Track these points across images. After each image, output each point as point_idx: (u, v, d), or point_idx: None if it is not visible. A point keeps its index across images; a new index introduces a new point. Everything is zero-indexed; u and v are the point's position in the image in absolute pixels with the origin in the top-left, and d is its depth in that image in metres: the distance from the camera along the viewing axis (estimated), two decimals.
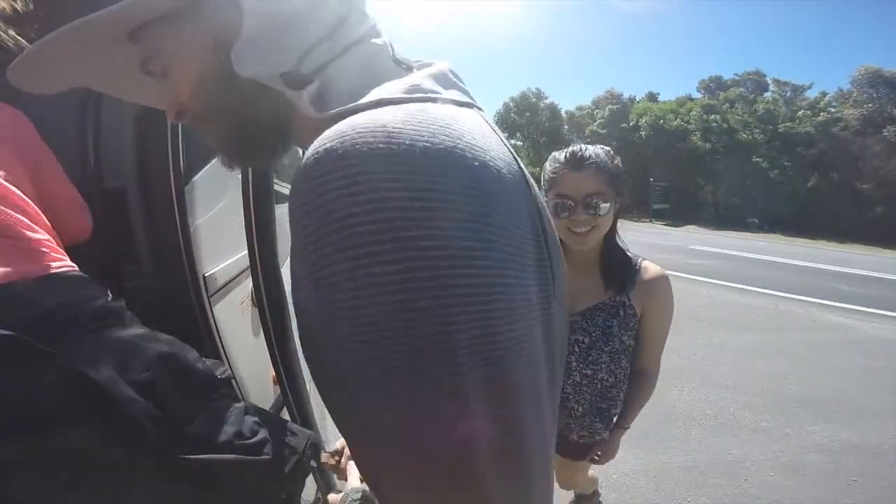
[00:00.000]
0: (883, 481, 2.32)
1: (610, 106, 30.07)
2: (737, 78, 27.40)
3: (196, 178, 1.11)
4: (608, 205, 1.14)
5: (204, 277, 1.11)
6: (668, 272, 1.31)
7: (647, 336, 1.28)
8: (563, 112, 34.44)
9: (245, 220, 0.89)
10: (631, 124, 28.02)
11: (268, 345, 1.00)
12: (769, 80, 26.10)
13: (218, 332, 1.14)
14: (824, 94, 23.01)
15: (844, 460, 2.49)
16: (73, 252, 1.07)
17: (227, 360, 1.16)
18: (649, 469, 2.40)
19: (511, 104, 36.11)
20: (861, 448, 2.60)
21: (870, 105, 20.55)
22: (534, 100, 35.25)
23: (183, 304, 1.07)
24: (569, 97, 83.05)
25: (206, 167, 1.16)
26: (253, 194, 0.88)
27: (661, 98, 29.96)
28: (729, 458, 2.51)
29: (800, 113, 22.25)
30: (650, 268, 1.26)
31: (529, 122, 35.06)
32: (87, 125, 0.98)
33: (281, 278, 0.96)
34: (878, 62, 22.42)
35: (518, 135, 36.99)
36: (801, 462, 2.47)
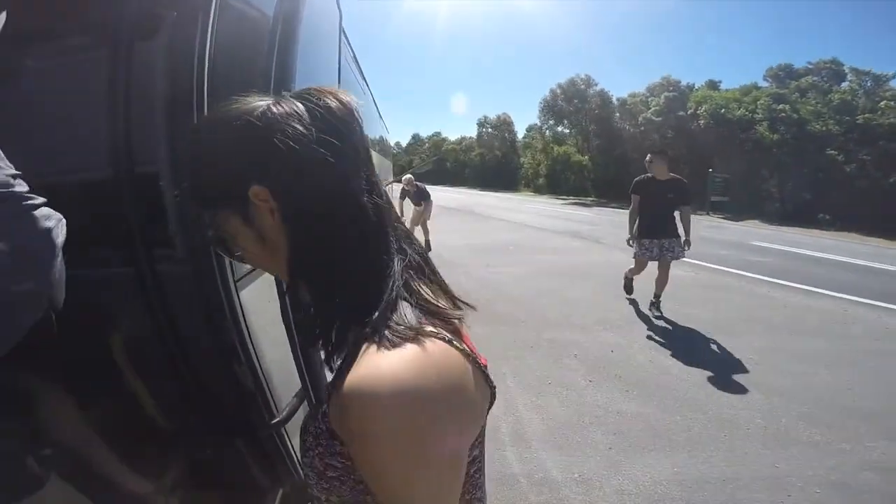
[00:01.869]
0: None
1: (666, 93, 28.52)
2: (810, 66, 25.16)
3: None
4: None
5: (230, 261, 1.12)
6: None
7: None
8: (614, 99, 33.02)
9: None
10: (689, 112, 26.50)
11: (287, 333, 1.00)
12: (846, 70, 23.82)
13: (244, 317, 1.16)
14: None
15: None
16: (105, 235, 1.12)
17: (252, 345, 1.18)
18: (685, 479, 2.27)
19: (558, 91, 35.02)
20: None
21: None
22: (583, 86, 33.98)
23: (209, 288, 1.09)
24: (621, 84, 79.31)
25: None
26: None
27: (722, 86, 28.11)
28: (774, 472, 2.34)
29: (882, 104, 20.18)
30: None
31: (578, 108, 33.91)
32: (118, 111, 1.00)
33: None
34: None
35: (565, 122, 35.97)
36: (854, 481, 2.27)
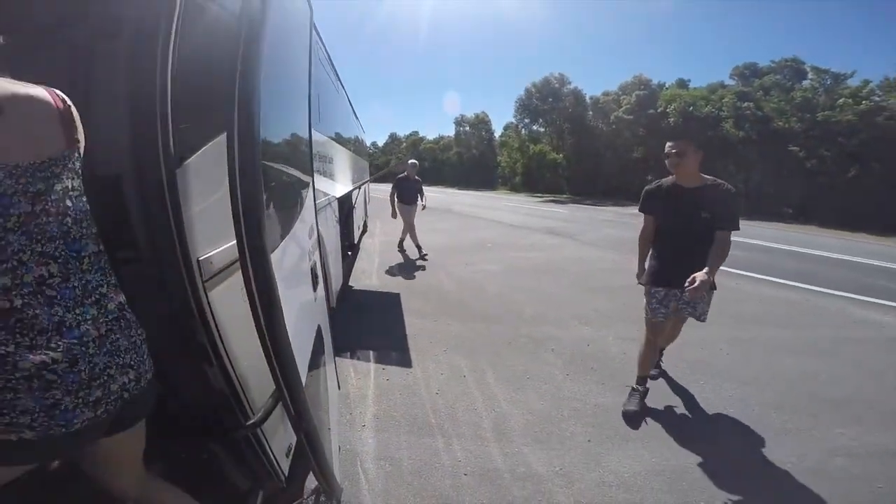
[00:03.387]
0: None
1: (637, 92, 29.19)
2: (773, 65, 26.12)
3: (190, 160, 1.08)
4: None
5: (198, 262, 1.08)
6: None
7: None
8: (587, 98, 33.60)
9: (231, 203, 0.85)
10: (659, 110, 27.19)
11: (259, 336, 0.97)
12: (808, 68, 24.80)
13: (214, 317, 1.13)
14: (867, 82, 21.69)
15: (872, 465, 2.36)
16: None
17: (223, 346, 1.14)
18: (664, 469, 2.32)
19: (533, 90, 35.45)
20: (890, 453, 2.46)
21: None
22: (557, 85, 34.51)
23: (175, 289, 1.05)
24: (594, 83, 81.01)
25: (202, 149, 1.14)
26: (239, 175, 0.84)
27: (691, 85, 28.93)
28: (750, 459, 2.40)
29: (840, 101, 21.09)
30: None
31: (552, 107, 34.39)
32: (79, 112, 0.95)
33: (270, 265, 0.92)
34: None
35: (541, 120, 36.39)
36: (826, 467, 2.35)
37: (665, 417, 2.79)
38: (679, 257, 2.62)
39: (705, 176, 2.65)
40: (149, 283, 1.05)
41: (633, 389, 2.95)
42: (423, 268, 6.79)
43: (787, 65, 25.70)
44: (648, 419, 2.76)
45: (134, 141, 1.00)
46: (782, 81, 24.95)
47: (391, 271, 6.57)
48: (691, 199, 2.61)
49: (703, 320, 2.79)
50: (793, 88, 23.97)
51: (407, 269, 6.72)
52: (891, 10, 34.48)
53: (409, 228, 7.63)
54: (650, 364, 3.02)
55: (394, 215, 7.52)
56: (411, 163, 7.53)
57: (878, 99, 20.42)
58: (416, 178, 7.54)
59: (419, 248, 7.66)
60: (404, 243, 7.93)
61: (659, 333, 2.91)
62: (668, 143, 2.66)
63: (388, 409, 2.83)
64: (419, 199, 7.58)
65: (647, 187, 2.87)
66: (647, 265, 2.90)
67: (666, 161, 2.66)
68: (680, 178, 2.66)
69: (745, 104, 23.77)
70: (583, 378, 3.29)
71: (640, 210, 2.90)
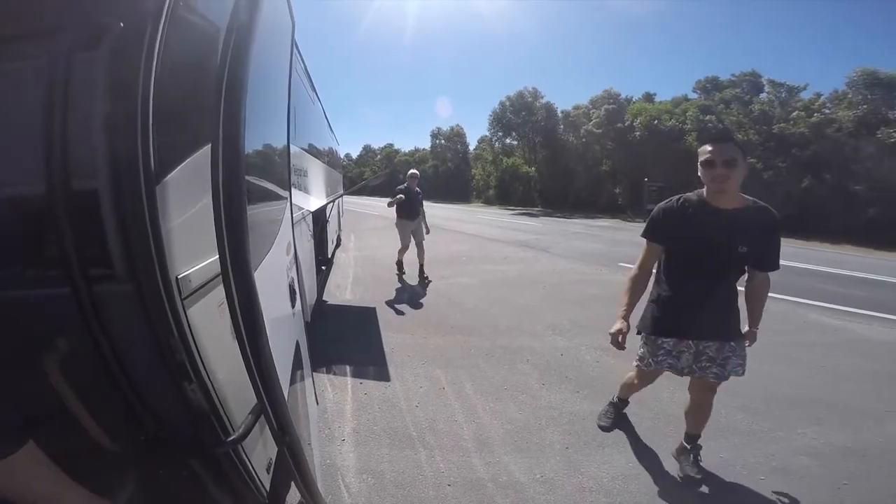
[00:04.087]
0: (872, 485, 2.31)
1: (606, 106, 30.11)
2: (733, 78, 27.46)
3: (169, 177, 1.07)
4: None
5: (177, 279, 1.08)
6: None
7: None
8: (559, 112, 34.46)
9: (215, 221, 0.85)
10: (626, 124, 28.10)
11: (241, 351, 0.97)
12: (765, 81, 26.17)
13: (192, 334, 1.11)
14: (819, 95, 23.05)
15: (835, 463, 2.48)
16: (39, 253, 1.04)
17: (203, 363, 1.13)
18: (640, 473, 2.38)
19: (507, 103, 36.14)
20: (852, 451, 2.59)
21: (864, 106, 20.62)
22: (530, 99, 35.31)
23: (154, 306, 1.04)
24: (566, 97, 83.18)
25: (181, 166, 1.13)
26: (223, 193, 0.85)
27: (657, 98, 30.07)
28: (721, 461, 2.48)
29: (794, 114, 22.32)
30: None
31: (525, 121, 35.11)
32: (54, 125, 0.94)
33: (253, 281, 0.92)
34: (874, 63, 22.40)
35: (514, 134, 37.06)
36: (792, 466, 2.46)
37: (637, 423, 2.86)
38: (700, 299, 2.03)
39: (745, 196, 1.99)
40: (127, 301, 1.04)
41: (611, 403, 2.87)
42: (397, 282, 6.77)
43: (746, 78, 27.00)
44: (622, 425, 2.82)
45: (112, 154, 0.98)
46: (741, 94, 26.19)
47: (366, 285, 6.53)
48: (728, 225, 1.93)
49: (741, 373, 2.14)
50: (751, 101, 25.18)
51: (382, 283, 6.69)
52: (844, 22, 36.95)
53: (406, 249, 6.87)
54: (634, 391, 2.68)
55: (405, 243, 6.77)
56: (412, 173, 6.73)
57: (828, 111, 21.68)
58: (417, 189, 6.71)
59: (422, 268, 6.87)
60: (403, 263, 7.16)
61: (645, 383, 2.50)
62: (710, 148, 1.89)
63: (368, 422, 2.81)
64: (422, 217, 6.77)
65: (661, 204, 2.11)
66: (647, 312, 2.25)
67: (706, 173, 1.91)
68: (718, 196, 1.94)
69: (708, 117, 24.87)
70: (558, 387, 3.34)
71: (645, 235, 2.14)
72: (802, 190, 20.86)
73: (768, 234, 2.00)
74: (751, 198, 2.01)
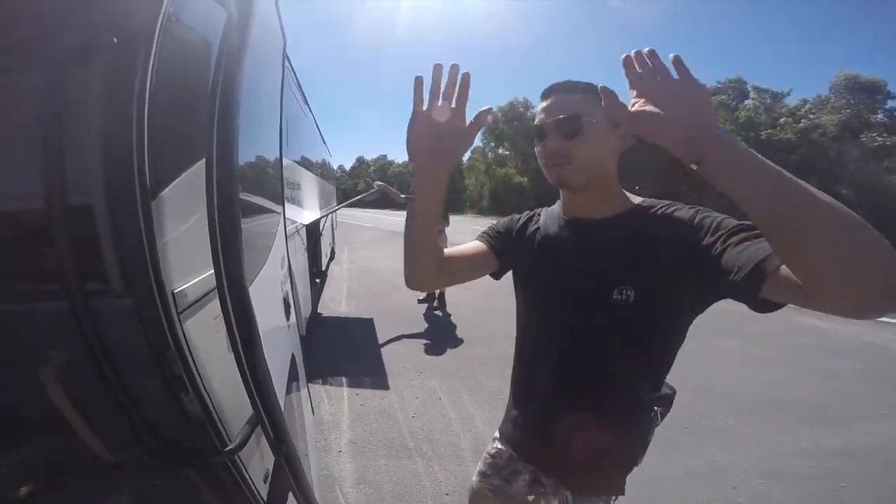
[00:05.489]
0: (871, 486, 2.33)
1: None
2: (719, 85, 27.96)
3: (164, 192, 1.09)
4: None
5: (173, 293, 1.09)
6: None
7: None
8: None
9: (210, 235, 0.87)
10: None
11: (237, 364, 0.98)
12: (749, 87, 26.62)
13: (189, 348, 1.12)
14: (805, 101, 23.50)
15: (830, 465, 2.50)
16: (36, 268, 1.06)
17: (199, 376, 1.14)
18: (633, 478, 2.37)
19: (499, 113, 36.50)
20: (846, 452, 2.62)
21: (847, 111, 21.04)
22: (521, 109, 35.72)
23: (151, 321, 1.05)
24: None
25: (176, 181, 1.15)
26: (218, 207, 0.87)
27: None
28: (716, 465, 2.50)
29: (781, 120, 22.70)
30: None
31: (517, 131, 35.45)
32: (50, 140, 0.96)
33: (248, 296, 0.94)
34: (856, 68, 23.00)
35: (506, 144, 37.37)
36: (786, 468, 2.48)
37: None
38: (549, 400, 1.12)
39: (632, 195, 1.09)
40: (124, 315, 1.05)
41: None
42: (392, 294, 6.77)
43: (732, 85, 27.48)
44: None
45: (108, 170, 1.00)
46: (727, 101, 26.65)
47: (360, 297, 6.53)
48: (593, 250, 1.02)
49: None
50: (737, 108, 25.61)
51: (377, 294, 6.69)
52: (827, 27, 37.73)
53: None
54: None
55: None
56: None
57: (813, 117, 22.09)
58: None
59: (441, 296, 6.03)
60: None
61: None
62: (542, 105, 1.03)
63: (365, 433, 2.80)
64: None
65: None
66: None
67: (539, 155, 1.03)
68: (571, 198, 1.09)
69: None
70: None
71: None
72: None
73: (690, 252, 0.88)
74: (646, 197, 1.07)
